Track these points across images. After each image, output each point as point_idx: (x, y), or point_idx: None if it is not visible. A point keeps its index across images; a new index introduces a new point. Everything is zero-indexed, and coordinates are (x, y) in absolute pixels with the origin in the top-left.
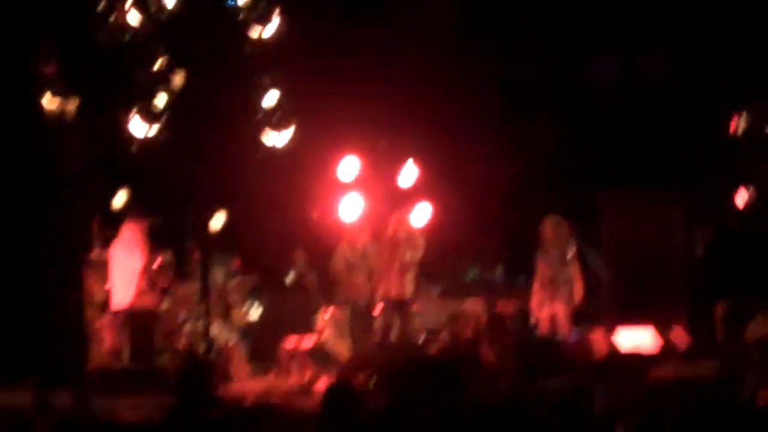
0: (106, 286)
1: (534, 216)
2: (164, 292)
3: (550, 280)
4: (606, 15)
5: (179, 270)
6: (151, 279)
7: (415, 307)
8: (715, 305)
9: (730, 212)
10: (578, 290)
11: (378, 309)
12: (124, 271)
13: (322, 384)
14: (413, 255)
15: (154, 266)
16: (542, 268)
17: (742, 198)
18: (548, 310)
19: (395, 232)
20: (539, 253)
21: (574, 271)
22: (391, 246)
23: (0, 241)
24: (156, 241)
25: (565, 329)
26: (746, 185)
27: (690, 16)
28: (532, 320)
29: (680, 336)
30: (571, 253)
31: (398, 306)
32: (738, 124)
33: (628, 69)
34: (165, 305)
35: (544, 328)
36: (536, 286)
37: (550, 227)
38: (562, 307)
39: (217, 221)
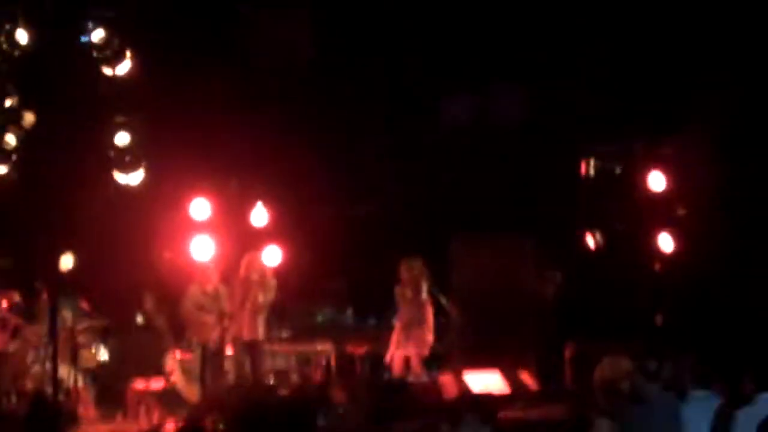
0: None
1: (384, 259)
2: (13, 333)
3: (406, 322)
4: (459, 57)
5: (27, 311)
6: (0, 320)
7: (266, 349)
8: (563, 348)
9: (580, 255)
10: (430, 332)
11: (229, 351)
12: None
13: (170, 427)
14: (266, 297)
15: (3, 307)
16: (402, 310)
17: (592, 240)
18: (402, 351)
19: (247, 273)
20: (398, 295)
21: (428, 313)
22: (244, 287)
23: None
24: (4, 281)
25: (417, 371)
26: (596, 228)
27: (541, 59)
28: (386, 361)
29: (529, 378)
30: (424, 294)
31: (250, 348)
32: (589, 166)
33: (481, 112)
34: (12, 347)
35: (396, 369)
36: (397, 330)
37: (405, 268)
38: (414, 350)
39: (66, 262)
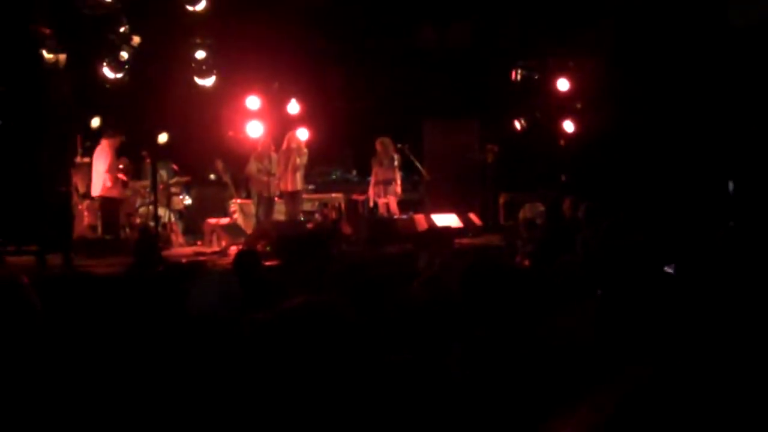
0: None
1: (378, 136)
2: (125, 185)
3: (382, 180)
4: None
5: (136, 170)
6: (117, 176)
7: (302, 197)
8: (499, 197)
9: (510, 134)
10: (399, 188)
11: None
12: (100, 170)
13: (233, 249)
14: (301, 160)
15: (120, 167)
16: (377, 172)
17: (518, 124)
18: (382, 200)
19: (289, 144)
20: (374, 162)
21: (397, 175)
22: (286, 155)
23: (13, 150)
24: (120, 150)
25: (396, 212)
26: (521, 116)
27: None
28: (371, 206)
29: (475, 218)
30: (396, 161)
31: (292, 196)
32: (517, 73)
33: (440, 36)
34: (127, 194)
35: (381, 211)
36: (372, 183)
37: (380, 144)
38: (391, 199)
39: (162, 137)
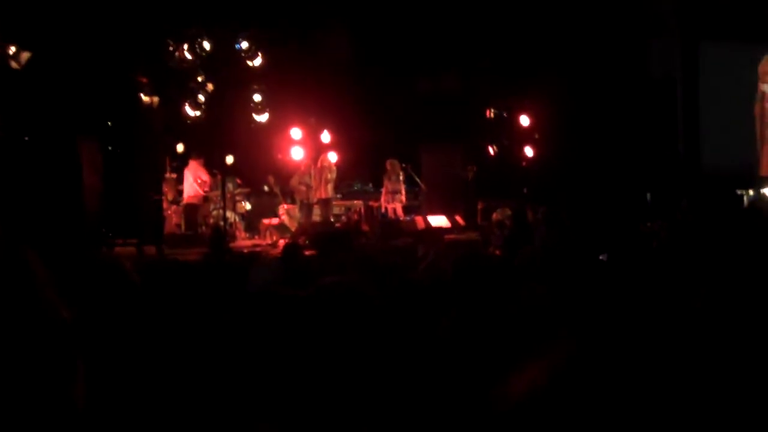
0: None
1: (388, 157)
2: (207, 197)
3: (390, 191)
4: (419, 61)
5: (212, 184)
6: (197, 187)
7: (332, 204)
8: (477, 203)
9: (485, 157)
10: (403, 197)
11: (315, 205)
12: (188, 183)
13: (282, 242)
14: (332, 175)
15: (199, 181)
16: (387, 184)
17: (492, 150)
18: (390, 206)
19: (322, 163)
20: (384, 177)
21: (402, 187)
22: (321, 171)
23: (119, 169)
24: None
25: (401, 215)
26: (494, 143)
27: (469, 52)
28: (383, 211)
29: (460, 219)
30: (401, 177)
31: (325, 202)
32: (490, 112)
33: (434, 84)
34: (203, 201)
35: (390, 215)
36: (383, 193)
37: (389, 163)
38: (397, 205)
39: (229, 159)
